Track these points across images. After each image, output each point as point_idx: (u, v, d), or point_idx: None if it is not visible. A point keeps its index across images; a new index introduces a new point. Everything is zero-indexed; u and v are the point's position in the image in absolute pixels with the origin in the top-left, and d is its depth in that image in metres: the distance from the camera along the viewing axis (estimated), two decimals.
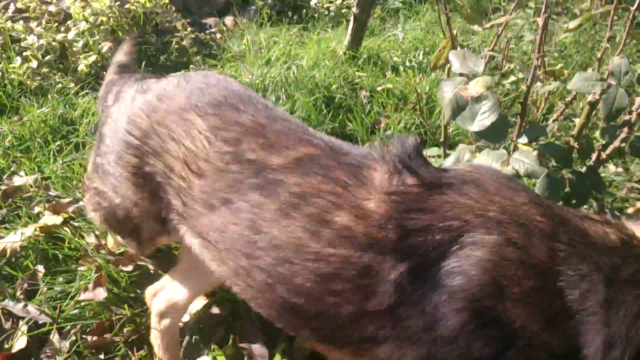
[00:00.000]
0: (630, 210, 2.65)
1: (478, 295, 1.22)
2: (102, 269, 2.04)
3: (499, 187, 1.33)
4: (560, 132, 2.97)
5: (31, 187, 2.53)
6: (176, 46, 4.19)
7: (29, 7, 3.96)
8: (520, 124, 2.08)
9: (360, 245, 1.27)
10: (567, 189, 1.92)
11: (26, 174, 2.65)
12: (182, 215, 1.51)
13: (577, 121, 1.92)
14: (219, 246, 1.41)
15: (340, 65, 3.92)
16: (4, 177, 2.65)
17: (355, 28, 4.02)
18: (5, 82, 3.45)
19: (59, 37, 3.78)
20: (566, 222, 1.29)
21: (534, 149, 1.99)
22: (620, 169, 3.11)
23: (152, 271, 2.12)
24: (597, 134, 2.18)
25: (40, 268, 2.10)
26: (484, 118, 2.09)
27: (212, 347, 1.84)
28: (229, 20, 4.96)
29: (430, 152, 2.82)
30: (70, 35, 3.82)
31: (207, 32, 4.64)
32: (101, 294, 1.97)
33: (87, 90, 3.51)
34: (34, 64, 3.59)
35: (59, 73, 3.66)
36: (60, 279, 2.08)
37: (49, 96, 3.37)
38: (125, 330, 1.91)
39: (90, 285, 1.99)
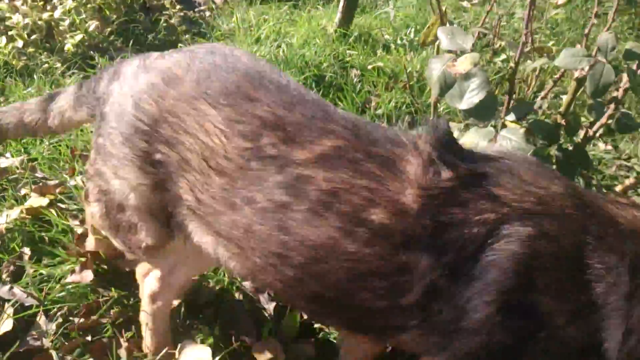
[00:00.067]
0: (618, 188, 2.64)
1: (508, 288, 1.22)
2: (87, 253, 2.03)
3: (535, 176, 1.31)
4: (551, 110, 2.96)
5: (17, 168, 2.51)
6: (164, 24, 4.13)
7: None
8: (508, 102, 2.07)
9: (397, 244, 1.24)
10: (554, 167, 1.92)
11: (12, 156, 2.63)
12: (193, 211, 1.43)
13: (565, 98, 1.90)
14: (242, 244, 1.36)
15: (331, 43, 3.88)
16: None
17: (346, 5, 3.97)
18: None
19: (45, 15, 3.72)
20: (596, 212, 1.29)
21: (522, 126, 1.98)
22: (609, 147, 3.11)
23: None
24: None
25: (27, 250, 2.09)
26: (472, 96, 2.07)
27: (200, 328, 1.84)
28: None
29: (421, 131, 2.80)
30: (57, 14, 3.76)
31: (196, 10, 4.58)
32: (88, 276, 1.96)
33: (73, 70, 3.47)
34: (19, 43, 3.54)
35: (45, 53, 3.61)
36: (47, 261, 2.07)
37: (35, 76, 3.32)
38: (112, 311, 1.91)
39: (77, 268, 1.98)
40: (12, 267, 2.02)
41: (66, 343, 1.80)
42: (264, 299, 1.98)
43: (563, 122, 1.89)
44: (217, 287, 2.02)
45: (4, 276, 1.99)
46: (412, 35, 4.26)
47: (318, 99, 1.44)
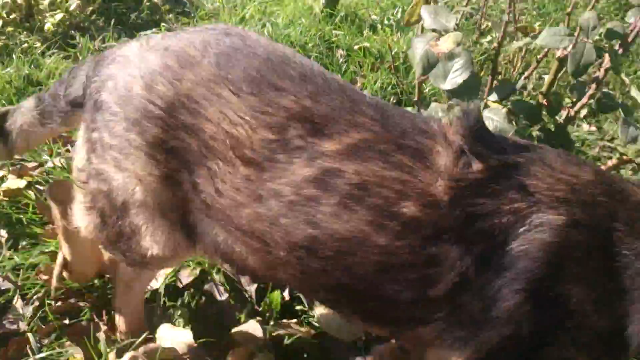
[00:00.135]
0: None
1: (538, 277, 1.22)
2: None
3: (564, 164, 1.31)
4: (536, 91, 2.95)
5: None
6: (148, 3, 4.07)
7: None
8: (491, 82, 2.05)
9: (428, 236, 1.24)
10: None
11: None
12: (208, 206, 1.35)
13: (547, 78, 1.89)
14: (266, 238, 1.32)
15: (317, 23, 3.84)
16: None
17: None
18: None
19: None
20: (625, 198, 1.29)
21: (505, 106, 1.97)
22: (593, 128, 3.11)
23: None
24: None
25: (3, 233, 2.06)
26: (456, 76, 2.05)
27: (179, 311, 1.83)
28: None
29: None
30: None
31: None
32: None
33: (53, 50, 3.41)
34: None
35: (25, 32, 3.56)
36: (25, 243, 2.04)
37: (14, 56, 3.26)
38: (90, 294, 1.88)
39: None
40: None
41: (43, 326, 1.78)
42: (245, 280, 1.97)
43: (545, 102, 1.88)
44: (198, 270, 2.01)
45: None
46: (399, 15, 4.22)
47: (344, 85, 1.39)
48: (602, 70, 1.77)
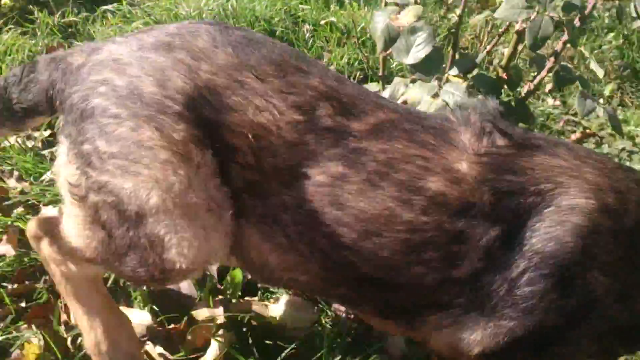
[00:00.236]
0: None
1: (567, 262, 1.21)
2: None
3: (589, 151, 1.31)
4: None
5: None
6: None
7: None
8: (452, 56, 2.04)
9: (454, 211, 1.23)
10: None
11: None
12: (244, 204, 1.30)
13: (506, 52, 1.89)
14: (289, 230, 1.29)
15: None
16: None
17: None
18: None
19: None
20: None
21: (465, 81, 1.96)
22: (558, 102, 3.14)
23: None
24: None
25: None
26: (418, 50, 2.04)
27: (138, 292, 1.80)
28: None
29: (369, 87, 2.77)
30: None
31: None
32: (9, 251, 1.88)
33: (11, 26, 3.29)
34: None
35: None
36: None
37: None
38: (47, 276, 1.84)
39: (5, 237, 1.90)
40: None
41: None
42: None
43: (505, 76, 1.88)
44: None
45: None
46: None
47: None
48: (560, 43, 1.77)
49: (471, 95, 1.89)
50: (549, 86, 3.14)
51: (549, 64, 1.80)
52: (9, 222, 2.00)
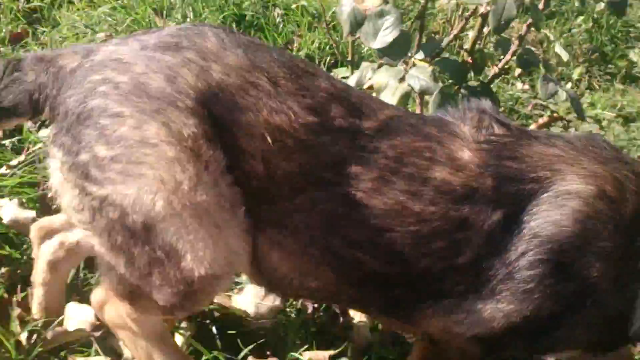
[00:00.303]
0: (532, 126, 2.70)
1: (565, 247, 1.24)
2: None
3: (586, 142, 1.34)
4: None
5: None
6: None
7: None
8: (419, 40, 2.03)
9: (459, 198, 1.26)
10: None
11: None
12: (252, 211, 1.27)
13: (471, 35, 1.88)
14: (301, 235, 1.29)
15: None
16: None
17: None
18: None
19: None
20: None
21: (431, 65, 1.96)
22: (526, 86, 3.15)
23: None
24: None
25: None
26: (386, 34, 2.03)
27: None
28: None
29: (339, 72, 2.76)
30: None
31: None
32: None
33: None
34: None
35: None
36: None
37: None
38: (3, 270, 1.79)
39: None
40: None
41: None
42: None
43: (469, 59, 1.87)
44: None
45: None
46: None
47: None
48: (525, 26, 1.77)
49: (437, 80, 1.89)
50: (518, 71, 3.16)
51: (513, 47, 1.80)
52: None
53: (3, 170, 2.09)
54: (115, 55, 1.26)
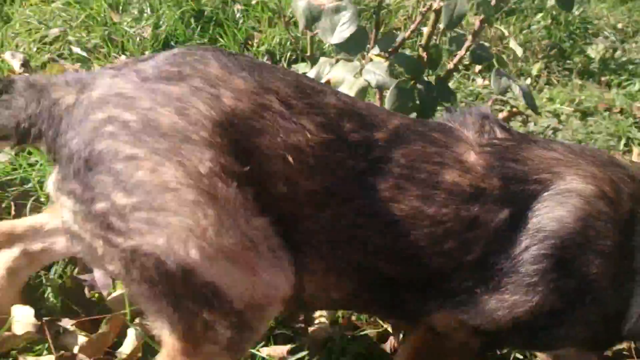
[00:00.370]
0: None
1: (567, 243, 1.29)
2: None
3: (582, 148, 1.44)
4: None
5: None
6: None
7: None
8: (375, 35, 2.02)
9: (468, 198, 1.30)
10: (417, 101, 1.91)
11: None
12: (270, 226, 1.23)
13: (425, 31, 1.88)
14: (325, 253, 1.29)
15: None
16: None
17: None
18: None
19: None
20: None
21: (387, 60, 1.95)
22: (487, 82, 3.18)
23: None
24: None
25: None
26: (343, 29, 2.01)
27: (51, 280, 1.72)
28: None
29: (299, 67, 2.73)
30: None
31: None
32: None
33: None
34: None
35: None
36: None
37: None
38: None
39: None
40: None
41: None
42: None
43: (424, 55, 1.87)
44: None
45: None
46: None
47: None
48: (477, 21, 1.78)
49: (393, 75, 1.89)
50: (479, 67, 3.19)
51: (467, 42, 1.80)
52: None
53: None
54: (116, 90, 1.18)
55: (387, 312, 1.51)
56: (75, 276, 1.74)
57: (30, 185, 1.98)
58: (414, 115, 1.97)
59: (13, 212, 1.90)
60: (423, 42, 1.86)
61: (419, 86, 1.89)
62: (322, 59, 2.22)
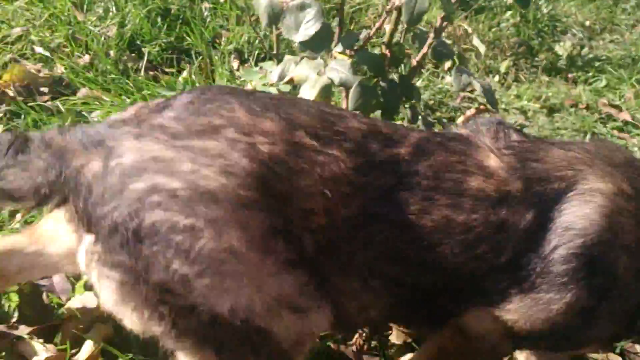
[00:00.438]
0: (460, 120, 2.73)
1: (595, 240, 1.30)
2: None
3: (598, 147, 1.45)
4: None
5: None
6: None
7: None
8: (339, 33, 2.01)
9: (495, 202, 1.33)
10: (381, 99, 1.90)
11: None
12: (319, 269, 1.26)
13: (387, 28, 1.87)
14: (363, 273, 1.31)
15: None
16: None
17: None
18: None
19: None
20: None
21: (350, 58, 1.94)
22: None
23: None
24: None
25: None
26: (308, 27, 2.00)
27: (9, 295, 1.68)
28: None
29: (266, 65, 2.71)
30: None
31: None
32: None
33: None
34: None
35: None
36: None
37: None
38: None
39: None
40: None
41: None
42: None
43: (387, 52, 1.87)
44: None
45: None
46: None
47: None
48: (439, 18, 1.78)
49: (356, 73, 1.88)
50: (448, 64, 3.20)
51: (429, 39, 1.80)
52: None
53: None
54: (149, 154, 1.13)
55: (422, 321, 1.52)
56: (33, 282, 1.70)
57: None
58: (378, 113, 1.96)
59: None
60: (386, 39, 1.85)
61: (382, 84, 1.88)
62: (286, 57, 2.20)
